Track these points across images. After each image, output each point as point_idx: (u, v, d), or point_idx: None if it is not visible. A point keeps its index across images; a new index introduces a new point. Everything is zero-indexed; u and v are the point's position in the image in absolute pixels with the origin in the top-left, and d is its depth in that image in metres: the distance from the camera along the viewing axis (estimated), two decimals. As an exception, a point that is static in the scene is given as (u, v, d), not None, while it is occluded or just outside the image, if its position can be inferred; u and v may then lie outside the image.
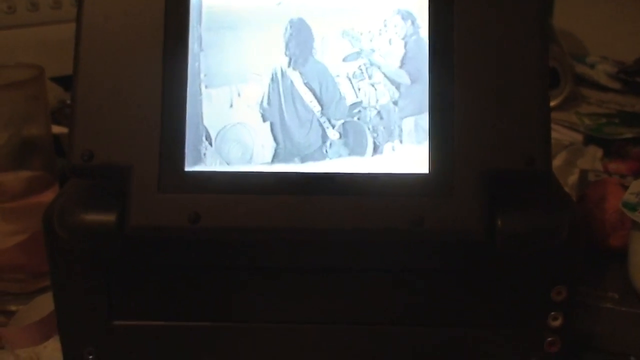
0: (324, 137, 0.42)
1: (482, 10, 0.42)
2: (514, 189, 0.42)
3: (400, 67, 0.43)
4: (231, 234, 0.42)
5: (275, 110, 0.43)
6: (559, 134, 0.90)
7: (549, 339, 0.46)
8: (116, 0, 0.43)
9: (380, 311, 0.46)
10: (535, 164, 0.41)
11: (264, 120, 0.42)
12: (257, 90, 0.43)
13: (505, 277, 0.45)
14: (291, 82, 0.43)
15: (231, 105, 0.43)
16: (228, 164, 0.42)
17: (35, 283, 0.58)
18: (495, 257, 0.43)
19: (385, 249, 0.44)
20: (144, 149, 0.41)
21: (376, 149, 0.42)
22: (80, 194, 0.44)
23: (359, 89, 0.43)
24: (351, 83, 0.43)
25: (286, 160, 0.42)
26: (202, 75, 0.43)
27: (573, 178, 0.75)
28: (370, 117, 0.42)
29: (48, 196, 0.56)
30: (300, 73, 0.43)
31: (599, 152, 0.84)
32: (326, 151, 0.42)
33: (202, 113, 0.42)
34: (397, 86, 0.43)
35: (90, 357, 0.46)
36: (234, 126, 0.42)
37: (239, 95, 0.43)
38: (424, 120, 0.42)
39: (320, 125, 0.42)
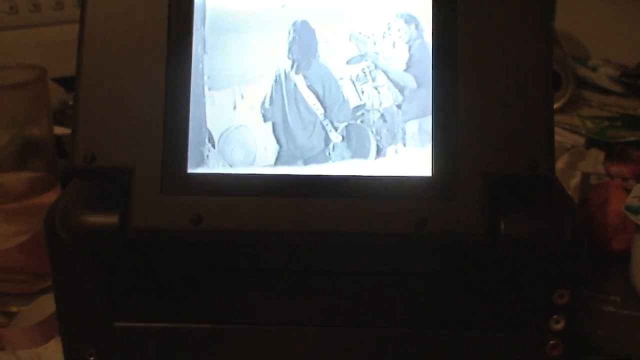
0: (327, 139, 0.42)
1: (485, 13, 0.42)
2: (516, 192, 0.42)
3: (406, 70, 0.43)
4: (233, 236, 0.42)
5: (278, 113, 0.43)
6: (560, 136, 0.90)
7: (551, 342, 0.46)
8: (119, 1, 0.43)
9: (383, 314, 0.46)
10: (539, 168, 0.41)
11: (265, 121, 0.42)
12: (260, 92, 0.43)
13: (507, 280, 0.45)
14: (294, 84, 0.43)
15: (234, 108, 0.43)
16: (231, 166, 0.42)
17: (37, 284, 0.58)
18: (497, 260, 0.43)
19: (388, 251, 0.44)
20: (147, 150, 0.41)
21: (379, 152, 0.42)
22: (82, 196, 0.44)
23: (363, 92, 0.43)
24: (354, 86, 0.43)
25: (289, 162, 0.42)
26: (205, 78, 0.43)
27: (575, 181, 0.75)
28: (374, 120, 0.42)
29: (50, 197, 0.56)
30: (304, 76, 0.43)
31: (601, 155, 0.84)
32: (329, 154, 0.42)
33: (205, 115, 0.42)
34: (401, 89, 0.42)
35: (92, 358, 0.46)
36: (237, 128, 0.42)
37: (242, 97, 0.43)
38: (428, 123, 0.42)
39: (323, 127, 0.42)
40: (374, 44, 0.43)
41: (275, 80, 0.43)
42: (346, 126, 0.42)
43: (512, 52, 0.42)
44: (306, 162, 0.42)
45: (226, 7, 0.43)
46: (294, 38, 0.43)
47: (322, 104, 0.43)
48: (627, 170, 0.77)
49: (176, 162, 0.42)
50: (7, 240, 0.56)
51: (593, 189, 0.63)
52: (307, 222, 0.41)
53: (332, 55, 0.43)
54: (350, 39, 0.43)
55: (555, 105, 0.95)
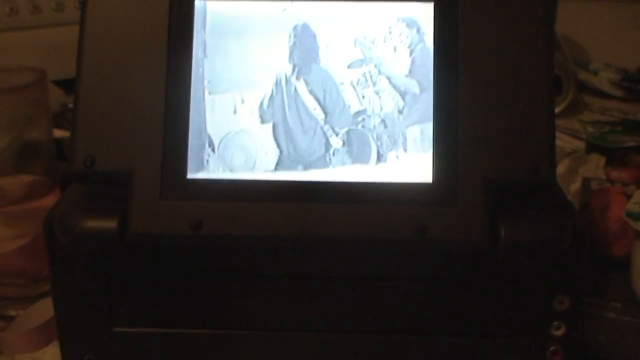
0: (327, 145, 0.42)
1: (487, 18, 0.42)
2: (517, 197, 0.42)
3: (409, 75, 0.42)
4: (233, 242, 0.42)
5: (279, 118, 0.42)
6: (561, 141, 0.90)
7: (551, 348, 0.46)
8: (120, 4, 0.43)
9: (382, 319, 0.46)
10: (540, 174, 0.41)
11: (262, 122, 0.42)
12: (261, 96, 0.42)
13: (507, 286, 0.45)
14: (295, 89, 0.42)
15: (235, 112, 0.42)
16: (231, 171, 0.42)
17: (36, 288, 0.57)
18: (498, 266, 0.43)
19: (388, 257, 0.44)
20: (146, 155, 0.41)
21: (380, 158, 0.42)
22: (81, 200, 0.44)
23: (364, 97, 0.42)
24: (355, 91, 0.42)
25: (289, 167, 0.42)
26: (205, 82, 0.42)
27: (575, 186, 0.75)
28: (375, 125, 0.42)
29: (49, 200, 0.56)
30: (305, 81, 0.42)
31: (601, 160, 0.84)
32: (329, 159, 0.42)
33: (205, 119, 0.42)
34: (402, 94, 0.42)
35: (90, 363, 0.46)
36: (237, 133, 0.42)
37: (242, 101, 0.42)
38: (430, 128, 0.42)
39: (324, 133, 0.42)
40: (376, 48, 0.43)
41: (276, 84, 0.43)
42: (347, 131, 0.42)
43: (514, 57, 0.42)
44: (306, 168, 0.42)
45: (227, 11, 0.43)
46: (294, 43, 0.43)
47: (322, 109, 0.42)
48: (628, 175, 0.77)
49: (176, 167, 0.42)
50: (6, 244, 0.56)
51: (594, 194, 0.63)
52: (307, 227, 0.41)
53: (333, 59, 0.43)
54: (355, 44, 0.43)
55: (556, 110, 0.95)
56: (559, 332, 0.45)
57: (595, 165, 0.82)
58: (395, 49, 0.43)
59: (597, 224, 0.58)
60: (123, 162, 0.41)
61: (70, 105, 0.81)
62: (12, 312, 0.56)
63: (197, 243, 0.42)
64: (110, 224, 0.41)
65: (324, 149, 0.42)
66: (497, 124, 0.41)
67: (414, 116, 0.42)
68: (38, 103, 0.57)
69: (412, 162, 0.42)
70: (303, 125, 0.42)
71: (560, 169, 0.80)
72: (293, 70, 0.43)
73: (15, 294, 0.57)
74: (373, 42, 0.43)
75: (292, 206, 0.41)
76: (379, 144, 0.42)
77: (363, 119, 0.42)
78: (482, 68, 0.42)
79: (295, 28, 0.43)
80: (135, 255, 0.43)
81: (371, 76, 0.43)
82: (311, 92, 0.42)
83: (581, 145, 0.89)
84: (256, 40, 0.43)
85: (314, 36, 0.43)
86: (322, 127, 0.42)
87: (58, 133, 0.70)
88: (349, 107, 0.42)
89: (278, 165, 0.42)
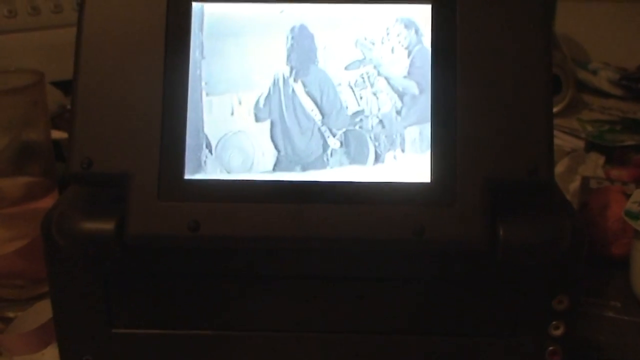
0: (325, 145, 0.42)
1: (484, 19, 0.42)
2: (515, 197, 0.42)
3: (407, 76, 0.42)
4: (231, 243, 0.42)
5: (277, 118, 0.42)
6: (560, 140, 0.90)
7: (551, 348, 0.46)
8: (117, 6, 0.43)
9: (381, 320, 0.46)
10: (538, 174, 0.41)
11: (260, 122, 0.42)
12: (257, 97, 0.42)
13: (506, 286, 0.45)
14: (292, 90, 0.42)
15: (232, 113, 0.42)
16: (228, 172, 0.42)
17: (34, 289, 0.57)
18: (496, 266, 0.43)
19: (386, 257, 0.44)
20: (144, 156, 0.41)
21: (377, 158, 0.42)
22: (79, 201, 0.44)
23: (361, 98, 0.42)
24: (353, 91, 0.42)
25: (287, 168, 0.42)
26: (203, 83, 0.42)
27: (574, 185, 0.75)
28: (372, 126, 0.42)
29: (47, 202, 0.56)
30: (302, 82, 0.42)
31: (600, 159, 0.84)
32: (327, 160, 0.42)
33: (202, 121, 0.42)
34: (401, 95, 0.42)
35: (89, 365, 0.46)
36: (234, 134, 0.42)
37: (240, 103, 0.42)
38: (428, 129, 0.42)
39: (321, 133, 0.42)
40: (374, 48, 0.43)
41: (273, 85, 0.42)
42: (344, 132, 0.42)
43: (512, 57, 0.42)
44: (304, 168, 0.42)
45: (224, 12, 0.43)
46: (292, 44, 0.43)
47: (320, 109, 0.42)
48: (627, 174, 0.77)
49: (173, 168, 0.41)
50: (4, 245, 0.56)
51: (593, 193, 0.63)
52: (305, 228, 0.41)
53: (331, 60, 0.43)
54: (356, 45, 0.43)
55: (555, 109, 0.95)
56: (558, 332, 0.45)
57: (594, 164, 0.82)
58: (393, 50, 0.43)
59: (596, 223, 0.57)
60: (121, 164, 0.41)
61: (69, 107, 0.80)
62: (11, 314, 0.56)
63: (195, 244, 0.42)
64: (108, 225, 0.41)
65: (321, 150, 0.42)
66: (496, 124, 0.41)
67: (412, 117, 0.42)
68: (36, 105, 0.57)
69: (409, 163, 0.42)
70: (301, 126, 0.42)
71: (560, 168, 0.80)
72: (291, 71, 0.42)
73: (13, 296, 0.57)
74: (372, 43, 0.43)
75: (289, 207, 0.41)
76: (376, 144, 0.42)
77: (361, 120, 0.42)
78: (480, 68, 0.42)
79: (292, 30, 0.43)
80: (134, 256, 0.43)
81: (369, 77, 0.43)
82: (309, 93, 0.42)
83: (580, 144, 0.89)
84: (254, 41, 0.43)
85: (311, 37, 0.43)
86: (319, 128, 0.42)
87: (56, 134, 0.70)
88: (347, 108, 0.42)
89: (276, 166, 0.42)
